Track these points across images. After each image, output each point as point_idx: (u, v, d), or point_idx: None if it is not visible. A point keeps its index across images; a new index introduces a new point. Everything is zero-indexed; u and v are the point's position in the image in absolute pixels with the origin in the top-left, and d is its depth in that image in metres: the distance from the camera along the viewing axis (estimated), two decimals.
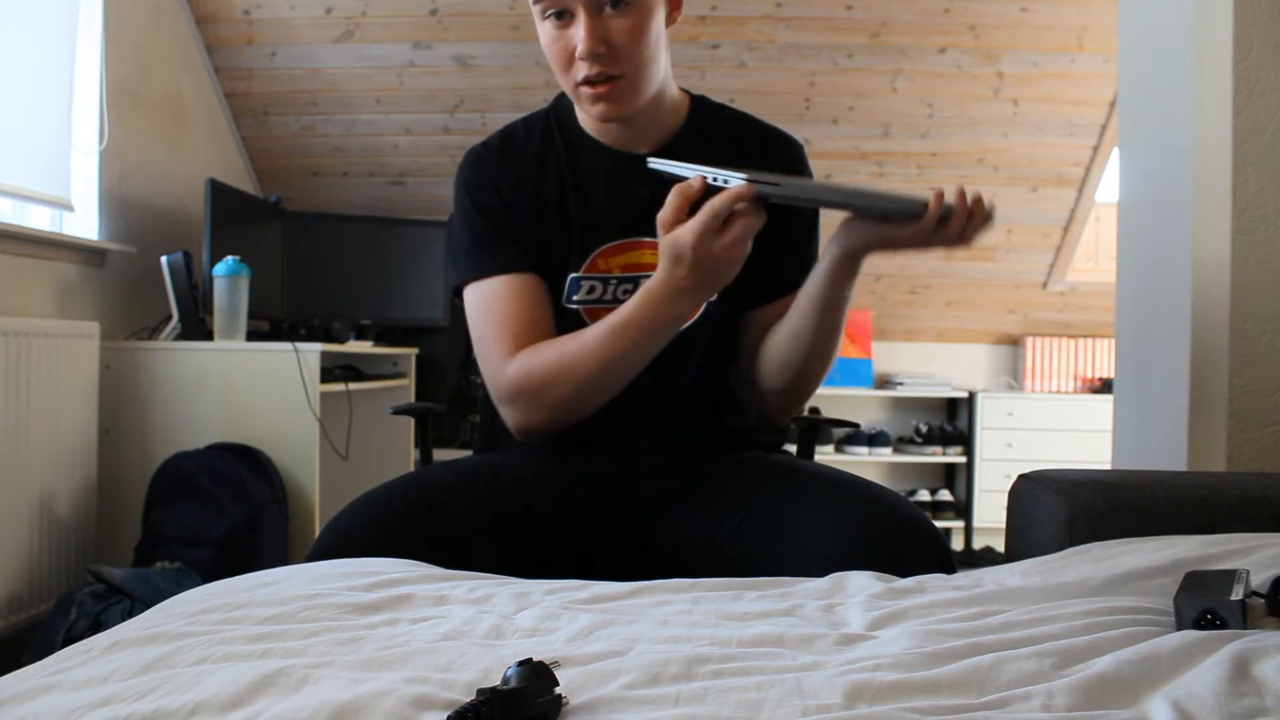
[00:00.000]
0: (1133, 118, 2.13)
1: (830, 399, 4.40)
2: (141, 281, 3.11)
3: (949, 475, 4.58)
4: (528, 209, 1.33)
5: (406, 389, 3.64)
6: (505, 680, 0.62)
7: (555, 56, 1.25)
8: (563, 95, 1.43)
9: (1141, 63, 2.09)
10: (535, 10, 1.24)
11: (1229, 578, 0.86)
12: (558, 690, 0.62)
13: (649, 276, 1.18)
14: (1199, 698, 0.63)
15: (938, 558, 1.15)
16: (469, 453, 1.53)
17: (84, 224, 2.96)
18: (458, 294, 1.37)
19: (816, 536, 1.17)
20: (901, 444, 4.49)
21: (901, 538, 1.16)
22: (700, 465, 1.34)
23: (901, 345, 4.61)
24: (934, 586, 0.95)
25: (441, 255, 3.81)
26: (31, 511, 2.43)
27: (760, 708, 0.62)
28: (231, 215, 3.19)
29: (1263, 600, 0.86)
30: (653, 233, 1.29)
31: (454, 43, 3.65)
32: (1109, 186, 4.03)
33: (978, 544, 4.29)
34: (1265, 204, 1.80)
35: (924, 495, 4.47)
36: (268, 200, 3.60)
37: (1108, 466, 2.16)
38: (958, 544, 4.34)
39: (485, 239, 1.33)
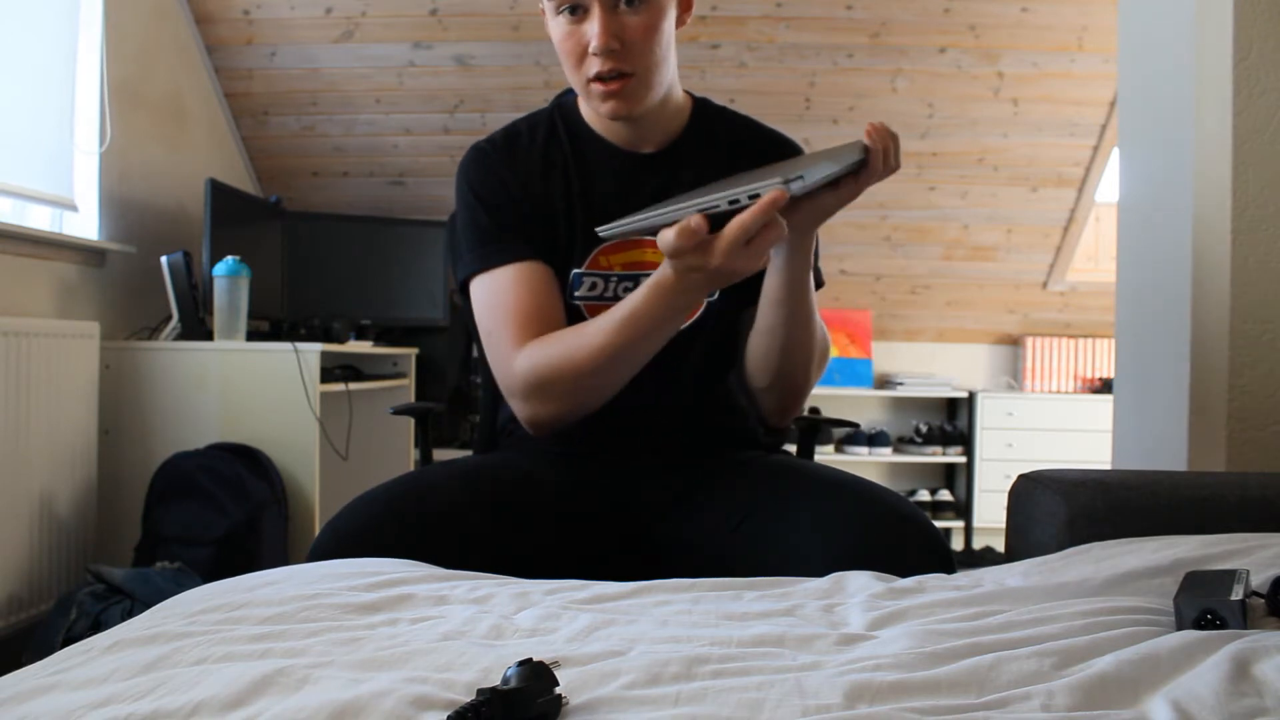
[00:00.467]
0: (1133, 118, 2.13)
1: (830, 399, 4.40)
2: (141, 281, 3.11)
3: (949, 475, 4.58)
4: (532, 204, 1.33)
5: (406, 389, 3.64)
6: (505, 680, 0.62)
7: (568, 52, 1.25)
8: (565, 94, 1.43)
9: (1141, 63, 2.09)
10: (548, 5, 1.24)
11: (1229, 578, 0.86)
12: (558, 690, 0.62)
13: (650, 275, 1.17)
14: (1199, 698, 0.63)
15: (938, 558, 1.15)
16: (469, 453, 1.53)
17: (84, 224, 2.96)
18: (463, 290, 1.36)
19: (816, 536, 1.17)
20: (901, 444, 4.49)
21: (901, 538, 1.16)
22: (700, 465, 1.34)
23: (901, 345, 4.61)
24: (934, 586, 0.95)
25: (442, 255, 3.81)
26: (31, 511, 2.43)
27: (760, 708, 0.62)
28: (231, 215, 3.19)
29: (1263, 600, 0.86)
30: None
31: (454, 43, 3.65)
32: (1109, 186, 4.03)
33: (978, 544, 4.29)
34: (1265, 204, 1.80)
35: (924, 495, 4.47)
36: (268, 200, 3.60)
37: (1108, 466, 2.16)
38: (958, 544, 4.34)
39: (490, 232, 1.32)
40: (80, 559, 2.60)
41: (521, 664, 0.63)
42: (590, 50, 1.22)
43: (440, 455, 1.66)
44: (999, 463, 4.28)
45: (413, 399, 3.64)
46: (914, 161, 4.03)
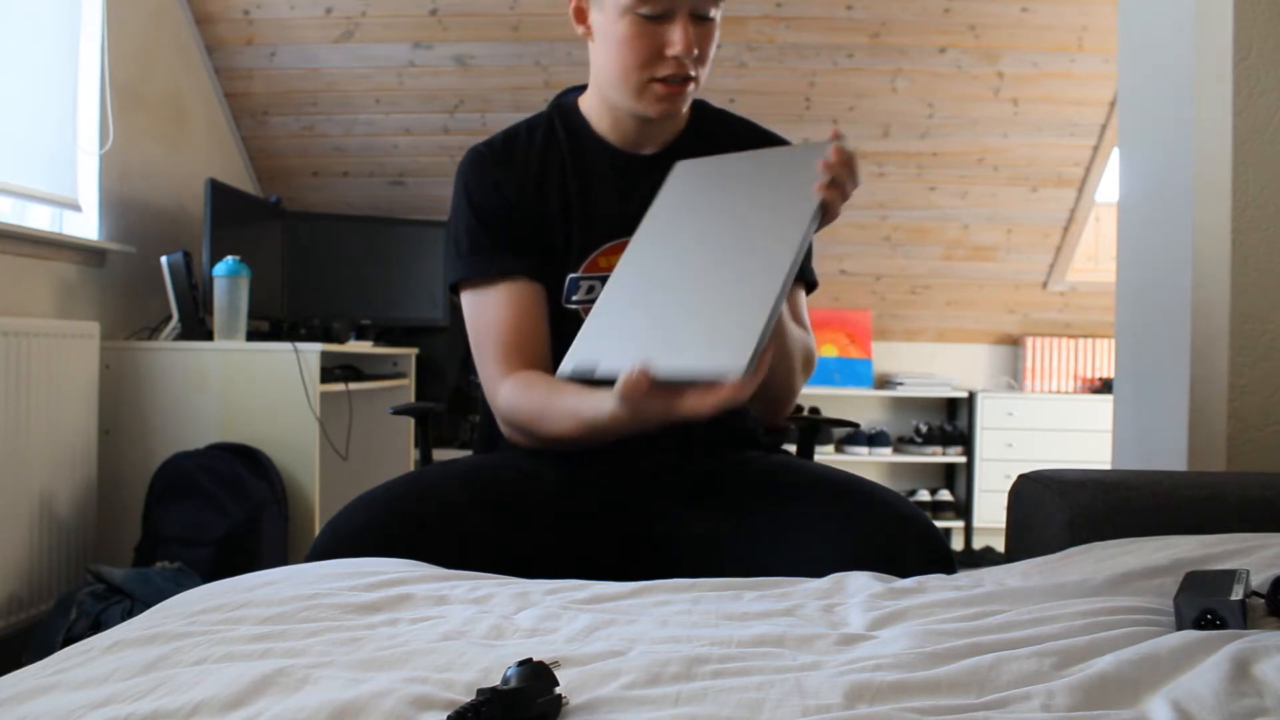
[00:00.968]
0: (1133, 118, 2.13)
1: (830, 399, 4.40)
2: (141, 281, 3.11)
3: (949, 475, 4.58)
4: (528, 208, 1.34)
5: (406, 389, 3.64)
6: (505, 680, 0.62)
7: (638, 50, 1.26)
8: (563, 96, 1.43)
9: (1141, 63, 2.09)
10: (623, 3, 1.25)
11: (1229, 578, 0.86)
12: (558, 690, 0.62)
13: None
14: (1199, 698, 0.63)
15: (938, 558, 1.15)
16: (469, 453, 1.53)
17: (84, 224, 2.96)
18: (453, 290, 1.39)
19: (816, 536, 1.17)
20: (901, 444, 4.49)
21: (901, 538, 1.16)
22: (700, 465, 1.34)
23: (901, 345, 4.61)
24: (934, 586, 0.95)
25: (442, 255, 3.81)
26: (31, 511, 2.43)
27: (760, 708, 0.62)
28: (231, 215, 3.19)
29: (1263, 600, 0.86)
30: None
31: (454, 43, 3.65)
32: (1109, 186, 4.03)
33: (978, 544, 4.29)
34: (1265, 204, 1.80)
35: (924, 495, 4.47)
36: (268, 200, 3.60)
37: (1108, 466, 2.16)
38: (958, 544, 4.34)
39: (481, 242, 1.34)
40: (80, 559, 2.60)
41: (521, 664, 0.63)
42: (673, 54, 1.25)
43: (440, 455, 1.66)
44: (999, 463, 4.28)
45: (413, 399, 3.64)
46: (914, 161, 4.04)
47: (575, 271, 1.34)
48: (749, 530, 1.23)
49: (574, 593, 0.92)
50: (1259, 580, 0.90)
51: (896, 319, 4.56)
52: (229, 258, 2.87)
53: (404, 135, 3.99)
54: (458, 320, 1.58)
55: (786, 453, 1.53)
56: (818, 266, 1.47)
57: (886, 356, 4.59)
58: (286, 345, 2.80)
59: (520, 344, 1.31)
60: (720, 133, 1.40)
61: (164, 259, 2.93)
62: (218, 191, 3.10)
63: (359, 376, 3.24)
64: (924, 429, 4.42)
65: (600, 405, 1.11)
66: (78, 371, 2.60)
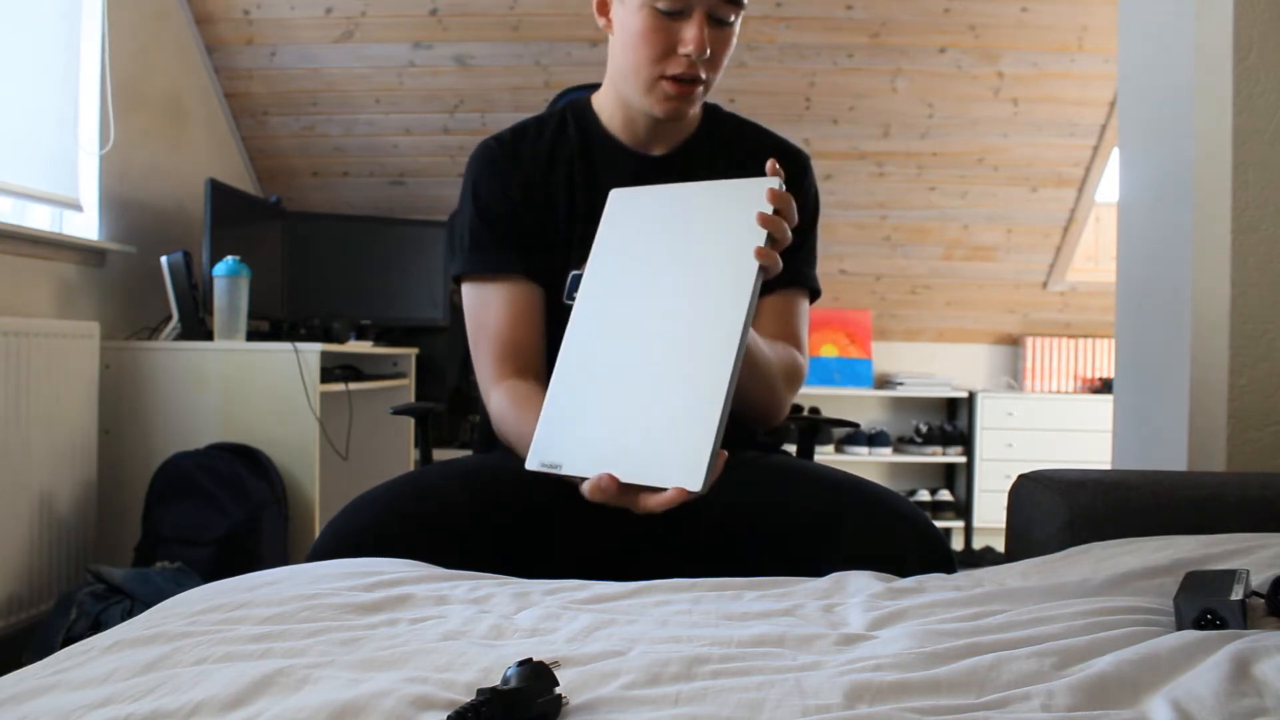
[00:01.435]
0: (1133, 118, 2.13)
1: (830, 399, 4.40)
2: (141, 281, 3.11)
3: (949, 475, 4.58)
4: (534, 204, 1.35)
5: (406, 389, 3.64)
6: (505, 680, 0.62)
7: (651, 44, 1.26)
8: (567, 95, 1.44)
9: (1141, 63, 2.09)
10: None
11: (1229, 578, 0.86)
12: (558, 690, 0.62)
13: None
14: (1199, 698, 0.63)
15: (938, 558, 1.15)
16: (469, 453, 1.53)
17: (84, 224, 2.96)
18: (456, 281, 1.41)
19: (816, 536, 1.17)
20: (901, 444, 4.49)
21: (901, 538, 1.16)
22: None
23: (901, 345, 4.61)
24: (934, 586, 0.95)
25: (442, 255, 3.81)
26: (31, 511, 2.43)
27: (760, 708, 0.62)
28: (231, 215, 3.19)
29: (1263, 600, 0.86)
30: None
31: (454, 43, 3.65)
32: (1109, 186, 4.03)
33: (978, 544, 4.29)
34: (1265, 204, 1.80)
35: (924, 495, 4.47)
36: (268, 200, 3.60)
37: (1108, 466, 2.16)
38: (958, 544, 4.34)
39: (483, 239, 1.35)
40: (80, 559, 2.60)
41: (521, 664, 0.63)
42: (685, 53, 1.24)
43: (440, 455, 1.66)
44: (999, 463, 4.28)
45: (413, 399, 3.64)
46: (914, 161, 4.04)
47: (578, 268, 1.34)
48: (748, 529, 1.23)
49: (574, 593, 0.92)
50: (1259, 580, 0.90)
51: (896, 319, 4.56)
52: (229, 258, 2.87)
53: (404, 135, 3.99)
54: (458, 320, 1.59)
55: (786, 453, 1.53)
56: (818, 267, 1.46)
57: (886, 356, 4.59)
58: (286, 345, 2.80)
59: (515, 346, 1.33)
60: (730, 136, 1.41)
61: (164, 259, 2.93)
62: (218, 191, 3.10)
63: (359, 376, 3.24)
64: (924, 429, 4.43)
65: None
66: (78, 371, 2.60)
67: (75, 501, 2.59)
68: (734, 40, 1.29)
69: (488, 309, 1.35)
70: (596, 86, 1.43)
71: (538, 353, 1.34)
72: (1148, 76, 2.06)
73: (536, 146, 1.38)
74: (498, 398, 1.31)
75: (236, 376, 2.79)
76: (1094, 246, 4.44)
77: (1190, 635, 0.74)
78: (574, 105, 1.42)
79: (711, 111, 1.43)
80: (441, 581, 0.94)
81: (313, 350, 2.79)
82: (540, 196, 1.35)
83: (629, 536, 1.29)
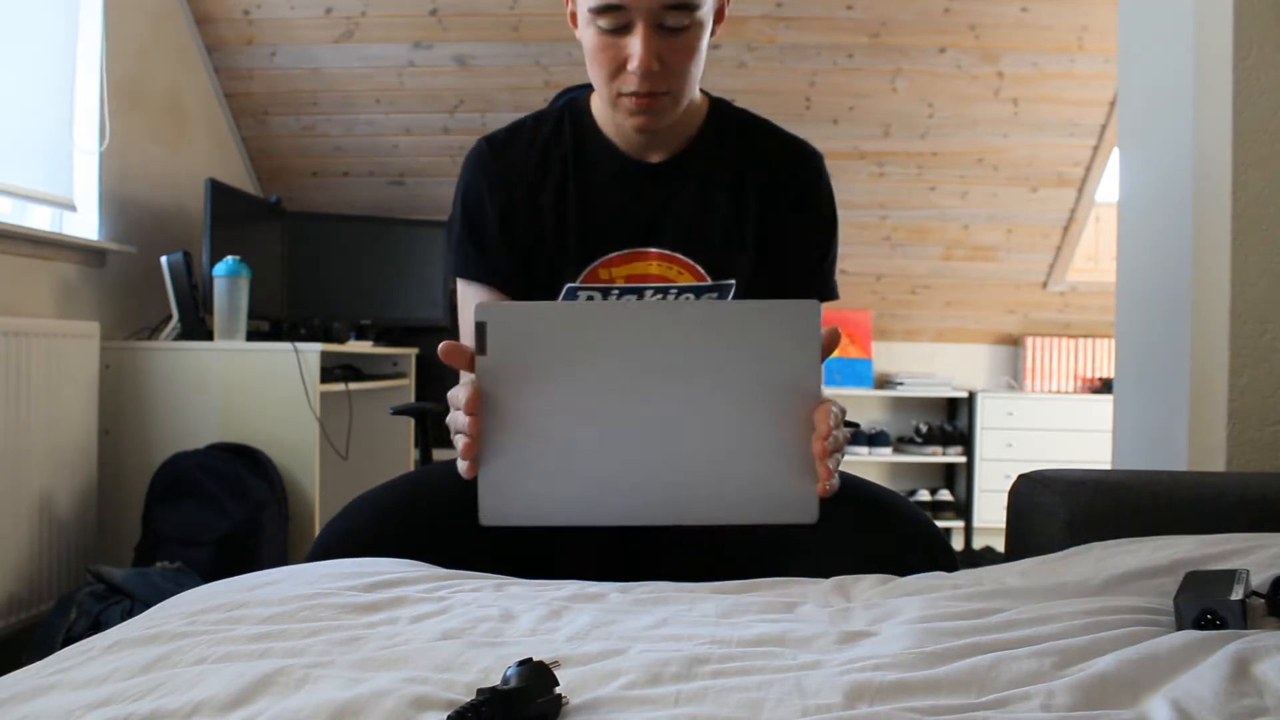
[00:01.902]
0: (1133, 118, 2.13)
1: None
2: (141, 281, 3.11)
3: (949, 475, 4.58)
4: (521, 211, 1.32)
5: (406, 389, 3.64)
6: (505, 680, 0.62)
7: (602, 64, 1.21)
8: (568, 93, 1.42)
9: (1141, 63, 2.09)
10: (585, 13, 1.19)
11: (1229, 578, 0.86)
12: (558, 690, 0.62)
13: (654, 288, 1.17)
14: (1199, 698, 0.63)
15: (938, 558, 1.14)
16: None
17: (84, 224, 2.96)
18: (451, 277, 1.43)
19: (817, 537, 1.16)
20: (901, 444, 4.49)
21: (901, 538, 1.16)
22: None
23: (901, 345, 4.61)
24: (934, 586, 0.95)
25: (441, 254, 3.81)
26: (31, 511, 2.43)
27: (760, 708, 0.62)
28: (231, 215, 3.19)
29: (1263, 600, 0.86)
30: (659, 243, 1.28)
31: (454, 43, 3.65)
32: (1109, 186, 4.03)
33: (978, 544, 4.29)
34: (1265, 204, 1.80)
35: (924, 495, 4.47)
36: (268, 200, 3.60)
37: (1108, 466, 2.16)
38: (958, 544, 4.33)
39: (467, 242, 1.34)
40: (80, 559, 2.60)
41: (521, 664, 0.63)
42: (630, 68, 1.18)
43: (440, 455, 1.66)
44: (999, 463, 4.28)
45: (413, 399, 3.64)
46: (914, 161, 4.04)
47: (574, 281, 1.31)
48: (749, 530, 1.23)
49: (574, 592, 0.92)
50: (1259, 580, 0.90)
51: (896, 319, 4.56)
52: (229, 258, 2.87)
53: (404, 135, 3.99)
54: (458, 320, 1.59)
55: None
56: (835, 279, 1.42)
57: (886, 356, 4.59)
58: (286, 345, 2.80)
59: None
60: (735, 139, 1.35)
61: (164, 259, 2.93)
62: (218, 191, 3.10)
63: (359, 376, 3.24)
64: (924, 429, 4.42)
65: None
66: (78, 371, 2.60)
67: (75, 501, 2.59)
68: (698, 45, 1.20)
69: (468, 310, 1.35)
70: None
71: None
72: (1148, 76, 2.06)
73: (530, 150, 1.34)
74: None
75: (236, 376, 2.79)
76: (1094, 246, 4.44)
77: (1190, 635, 0.74)
78: (572, 106, 1.37)
79: (717, 109, 1.37)
80: (441, 581, 0.94)
81: (313, 350, 2.79)
82: (527, 203, 1.31)
83: (629, 536, 1.29)
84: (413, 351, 3.68)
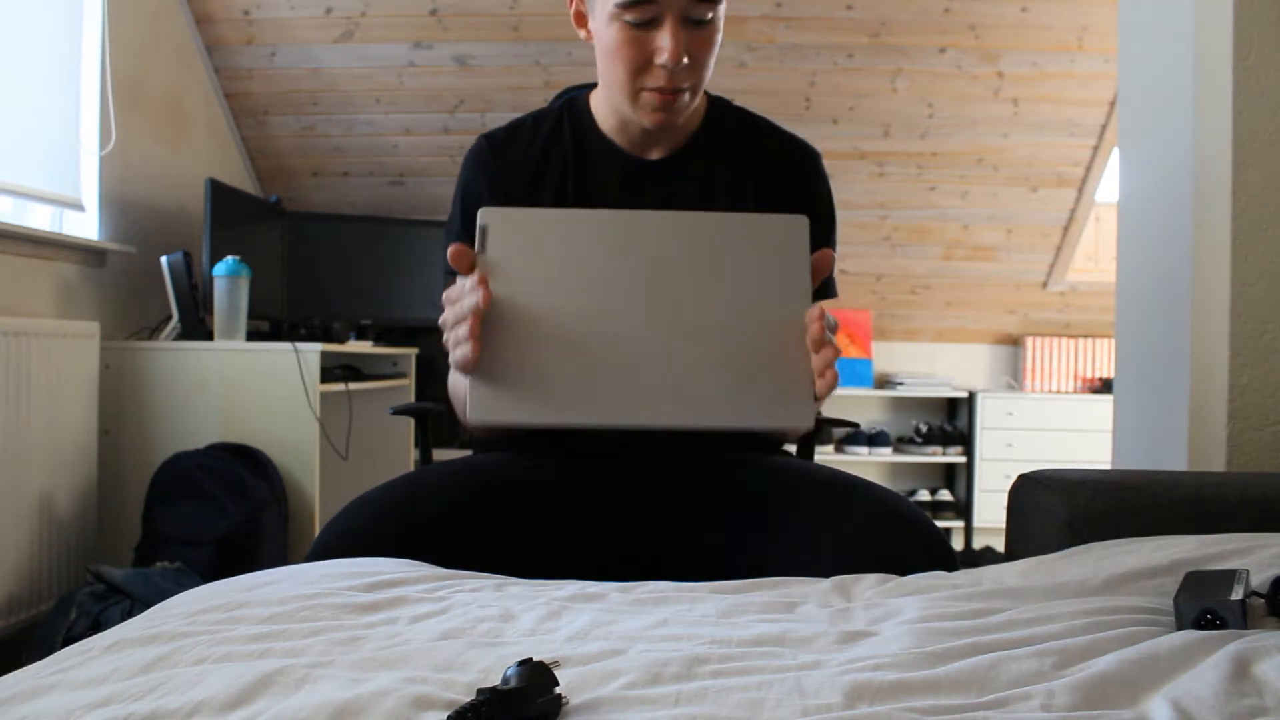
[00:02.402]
0: (1133, 118, 2.13)
1: (830, 399, 4.39)
2: (141, 281, 3.11)
3: (949, 475, 4.58)
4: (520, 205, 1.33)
5: (406, 389, 3.64)
6: (505, 680, 0.62)
7: (627, 59, 1.21)
8: (568, 93, 1.42)
9: (1141, 63, 2.09)
10: (609, 8, 1.19)
11: (1229, 578, 0.86)
12: (558, 690, 0.62)
13: None
14: (1199, 698, 0.63)
15: (938, 557, 1.14)
16: (469, 453, 1.53)
17: (84, 224, 2.96)
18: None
19: (817, 536, 1.17)
20: (901, 444, 4.49)
21: (901, 538, 1.16)
22: (700, 465, 1.34)
23: (901, 345, 4.61)
24: (934, 586, 0.95)
25: (442, 255, 3.81)
26: (31, 511, 2.43)
27: (760, 708, 0.62)
28: (231, 215, 3.19)
29: (1263, 600, 0.86)
30: None
31: (454, 43, 3.65)
32: (1109, 186, 4.03)
33: (978, 544, 4.29)
34: (1265, 204, 1.80)
35: (924, 495, 4.47)
36: (268, 200, 3.60)
37: (1108, 466, 2.16)
38: (958, 544, 4.33)
39: (464, 240, 1.33)
40: (80, 559, 2.60)
41: (521, 664, 0.63)
42: (660, 63, 1.19)
43: (440, 455, 1.66)
44: (999, 463, 4.28)
45: (413, 399, 3.64)
46: (914, 161, 4.04)
47: None
48: (749, 530, 1.23)
49: (574, 592, 0.92)
50: (1259, 580, 0.90)
51: (896, 319, 4.56)
52: (229, 258, 2.87)
53: (404, 135, 3.99)
54: None
55: (786, 453, 1.53)
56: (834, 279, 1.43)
57: (886, 356, 4.59)
58: (286, 345, 2.80)
59: None
60: (734, 138, 1.36)
61: (164, 259, 2.93)
62: (218, 191, 3.10)
63: (359, 376, 3.24)
64: (924, 429, 4.42)
65: None
66: (78, 371, 2.60)
67: (75, 501, 2.59)
68: (717, 37, 1.23)
69: None
70: (596, 85, 1.41)
71: None
72: (1148, 76, 2.06)
73: (529, 148, 1.35)
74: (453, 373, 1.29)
75: (236, 376, 2.79)
76: (1094, 246, 4.44)
77: (1190, 635, 0.74)
78: (572, 106, 1.38)
79: (717, 108, 1.38)
80: (441, 581, 0.94)
81: (313, 350, 2.79)
82: (529, 201, 1.32)
83: (629, 536, 1.29)
84: (413, 351, 3.68)
